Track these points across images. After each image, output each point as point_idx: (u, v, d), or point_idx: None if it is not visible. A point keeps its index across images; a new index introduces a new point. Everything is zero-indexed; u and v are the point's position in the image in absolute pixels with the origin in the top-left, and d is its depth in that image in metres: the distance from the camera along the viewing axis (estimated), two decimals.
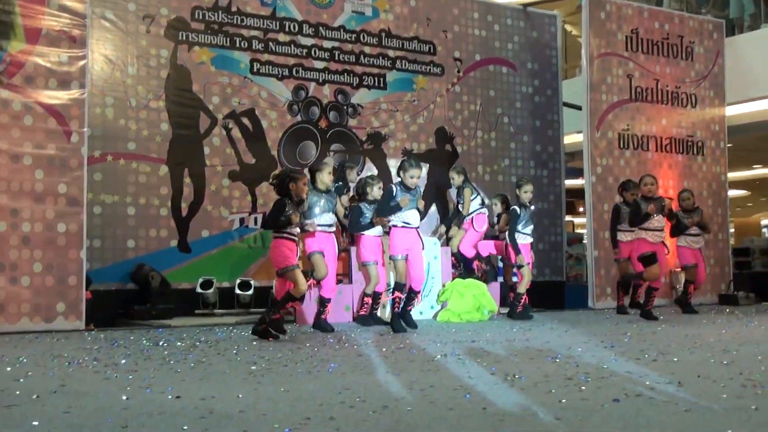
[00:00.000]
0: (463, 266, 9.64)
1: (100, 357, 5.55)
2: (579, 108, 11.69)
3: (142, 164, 9.24)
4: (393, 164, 10.62)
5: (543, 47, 12.25)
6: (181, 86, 9.53)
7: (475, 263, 9.81)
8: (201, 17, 9.66)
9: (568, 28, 15.35)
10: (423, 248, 7.90)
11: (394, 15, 10.94)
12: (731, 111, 12.73)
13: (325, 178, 7.68)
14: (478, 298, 8.92)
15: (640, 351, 5.73)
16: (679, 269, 11.52)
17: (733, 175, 15.01)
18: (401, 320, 7.69)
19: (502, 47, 11.84)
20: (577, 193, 14.60)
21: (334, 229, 7.90)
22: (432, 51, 11.20)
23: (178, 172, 9.43)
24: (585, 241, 12.53)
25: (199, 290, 9.17)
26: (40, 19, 7.78)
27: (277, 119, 10.08)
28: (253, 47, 9.95)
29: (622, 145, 11.53)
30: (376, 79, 10.74)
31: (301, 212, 7.01)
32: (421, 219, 8.09)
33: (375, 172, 10.39)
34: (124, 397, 3.84)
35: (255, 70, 9.95)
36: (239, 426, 3.22)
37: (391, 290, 7.97)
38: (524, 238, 9.04)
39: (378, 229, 8.25)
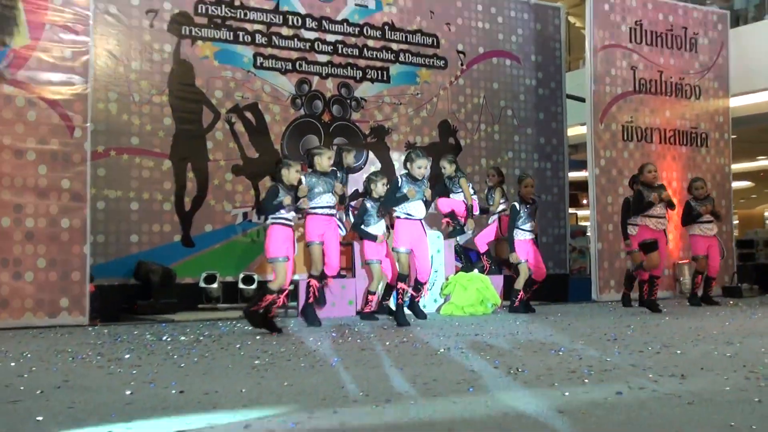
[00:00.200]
0: (465, 259, 9.65)
1: (103, 352, 5.56)
2: (582, 100, 11.67)
3: (145, 159, 9.25)
4: (396, 158, 10.64)
5: (547, 39, 12.23)
6: (184, 81, 9.53)
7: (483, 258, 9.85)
8: (204, 11, 9.65)
9: (572, 20, 15.34)
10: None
11: (398, 8, 10.92)
12: (735, 102, 12.70)
13: (324, 162, 7.62)
14: (482, 291, 8.92)
15: (644, 344, 5.73)
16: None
17: (737, 167, 14.99)
18: (403, 313, 7.70)
19: (505, 40, 11.82)
20: (581, 186, 14.59)
21: (334, 211, 7.84)
22: (435, 44, 11.18)
23: (181, 167, 9.44)
24: (589, 234, 12.52)
25: (202, 285, 9.19)
26: (43, 14, 7.77)
27: (281, 113, 10.08)
28: (257, 41, 9.95)
29: (625, 137, 11.51)
30: (379, 72, 10.73)
31: (293, 197, 6.97)
32: (427, 210, 8.09)
33: (378, 165, 10.39)
34: (128, 392, 3.84)
35: (258, 64, 9.95)
36: (243, 420, 3.22)
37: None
38: (523, 234, 9.01)
39: (381, 227, 8.23)
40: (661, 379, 4.12)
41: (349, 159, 8.86)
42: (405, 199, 7.64)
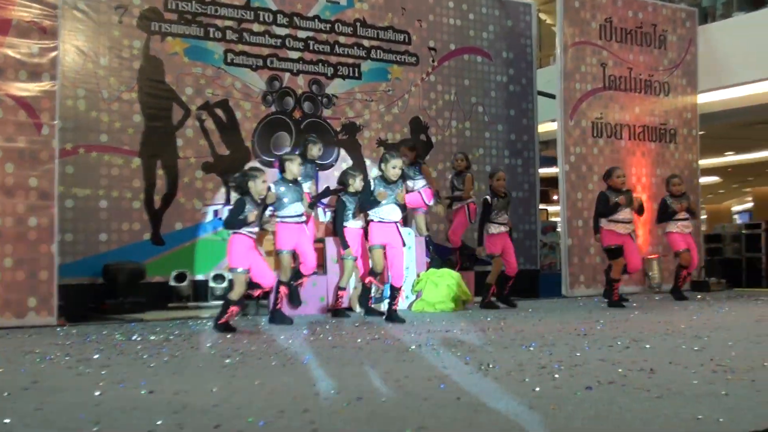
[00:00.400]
0: (433, 251, 9.67)
1: (72, 352, 5.50)
2: (553, 97, 11.73)
3: (114, 157, 9.16)
4: (367, 155, 10.63)
5: (518, 36, 12.28)
6: (154, 77, 9.45)
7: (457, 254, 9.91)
8: (174, 7, 9.57)
9: (543, 17, 15.42)
10: (404, 244, 7.90)
11: (369, 4, 10.91)
12: (703, 99, 12.83)
13: (294, 168, 7.66)
14: (453, 287, 8.94)
15: (613, 338, 5.78)
16: (655, 256, 11.66)
17: (704, 163, 15.15)
18: (367, 301, 7.82)
19: (476, 36, 11.85)
20: (551, 182, 14.66)
21: (303, 219, 7.87)
22: (407, 40, 11.18)
23: (150, 165, 9.36)
24: (559, 230, 12.59)
25: (172, 283, 9.13)
26: (10, 9, 7.65)
27: (251, 110, 10.03)
28: (227, 37, 9.89)
29: (595, 134, 11.59)
30: (350, 69, 10.72)
31: (262, 210, 7.02)
32: (403, 213, 8.09)
33: (350, 162, 10.39)
34: (97, 393, 3.81)
35: (229, 60, 9.89)
36: (213, 420, 3.20)
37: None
38: (497, 228, 9.06)
39: (359, 222, 8.24)
40: (631, 373, 4.16)
41: (313, 151, 8.79)
42: (377, 202, 7.63)
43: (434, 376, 4.20)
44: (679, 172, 12.29)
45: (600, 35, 11.73)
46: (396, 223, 7.81)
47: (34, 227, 7.63)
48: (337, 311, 8.29)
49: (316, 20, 10.49)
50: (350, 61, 10.71)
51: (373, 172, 9.46)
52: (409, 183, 9.16)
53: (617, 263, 8.98)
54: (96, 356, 5.25)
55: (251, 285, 7.05)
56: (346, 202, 8.25)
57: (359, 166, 9.95)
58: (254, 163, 9.84)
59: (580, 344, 5.47)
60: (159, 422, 3.16)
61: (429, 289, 8.92)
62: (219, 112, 9.81)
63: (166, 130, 9.50)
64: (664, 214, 9.95)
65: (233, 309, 6.86)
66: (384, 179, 7.72)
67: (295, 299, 7.71)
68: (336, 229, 8.44)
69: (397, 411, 3.36)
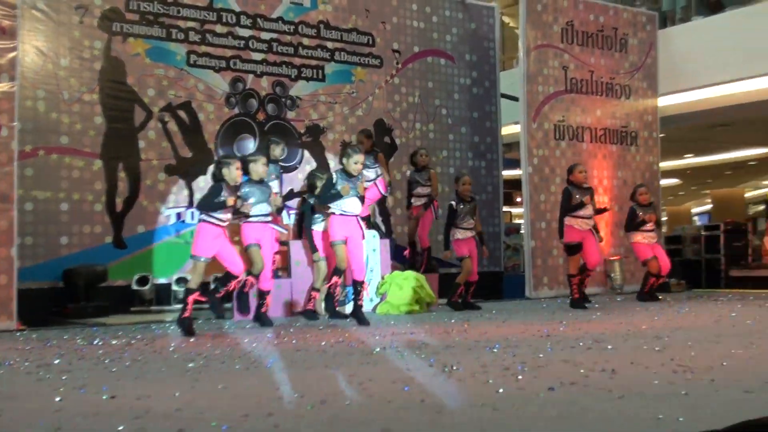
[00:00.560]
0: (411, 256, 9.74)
1: (32, 357, 5.42)
2: (516, 99, 11.81)
3: (75, 159, 9.05)
4: (332, 157, 10.61)
5: (481, 39, 12.34)
6: (116, 78, 9.35)
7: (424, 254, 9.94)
8: (136, 8, 9.48)
9: (506, 19, 15.53)
10: (363, 237, 7.92)
11: (333, 6, 10.90)
12: (663, 102, 13.00)
13: (259, 168, 7.64)
14: (417, 290, 8.96)
15: (575, 339, 5.83)
16: (617, 258, 11.79)
17: (665, 165, 15.35)
18: (332, 304, 7.82)
19: (440, 39, 11.89)
20: (515, 184, 14.76)
21: (269, 219, 7.86)
22: (371, 43, 11.19)
23: (112, 167, 9.26)
24: (522, 232, 12.68)
25: (135, 287, 9.04)
26: None
27: (215, 112, 9.97)
28: (190, 39, 9.81)
29: (557, 136, 11.69)
30: (314, 70, 10.69)
31: (237, 197, 7.01)
32: (362, 205, 8.10)
33: (314, 164, 10.37)
34: (57, 399, 3.76)
35: (191, 62, 9.82)
36: (176, 424, 3.18)
37: (330, 276, 7.98)
38: (464, 233, 9.12)
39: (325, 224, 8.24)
40: (593, 374, 4.20)
41: (276, 151, 8.75)
42: (339, 196, 7.63)
43: (398, 378, 4.20)
44: (640, 174, 12.48)
45: (562, 38, 11.84)
46: (356, 216, 7.82)
47: None
48: (308, 313, 8.28)
49: (280, 22, 10.45)
50: (314, 63, 10.69)
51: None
52: (365, 172, 9.14)
53: (573, 260, 9.09)
54: (56, 361, 5.18)
55: (225, 278, 7.05)
56: (312, 205, 8.24)
57: (324, 168, 9.93)
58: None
59: (543, 346, 5.51)
60: (121, 428, 3.12)
61: (393, 292, 8.94)
62: (182, 113, 9.74)
63: (127, 132, 9.40)
64: (632, 223, 10.02)
65: (189, 299, 6.84)
66: (346, 173, 7.71)
67: (266, 323, 7.65)
68: (305, 232, 8.44)
69: (361, 414, 3.36)
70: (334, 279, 7.81)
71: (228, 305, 8.00)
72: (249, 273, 7.39)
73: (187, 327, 6.76)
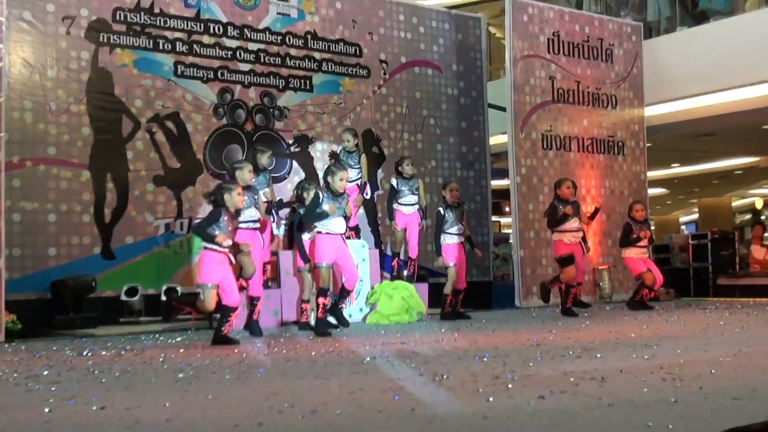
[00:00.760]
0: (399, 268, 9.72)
1: (21, 369, 5.39)
2: (503, 109, 11.85)
3: (63, 170, 9.02)
4: (320, 167, 10.61)
5: (468, 49, 12.39)
6: (103, 89, 9.34)
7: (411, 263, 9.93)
8: (123, 18, 9.48)
9: (492, 30, 15.59)
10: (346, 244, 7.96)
11: (320, 17, 10.93)
12: (650, 111, 13.08)
13: (246, 176, 7.65)
14: (407, 299, 8.97)
15: (565, 348, 5.84)
16: (606, 267, 11.83)
17: (652, 174, 15.43)
18: (325, 323, 7.75)
19: (427, 49, 11.93)
20: (503, 194, 14.79)
21: (258, 225, 7.86)
22: (358, 53, 11.22)
23: (100, 178, 9.23)
24: (511, 241, 12.70)
25: (123, 298, 9.01)
26: None
27: (203, 122, 9.96)
28: (177, 49, 9.82)
29: (545, 146, 11.74)
30: (302, 81, 10.71)
31: (236, 225, 6.97)
32: (347, 224, 8.12)
33: (302, 175, 10.37)
34: (47, 410, 3.74)
35: (179, 72, 9.82)
36: None
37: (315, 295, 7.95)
38: (451, 238, 9.13)
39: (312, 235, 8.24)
40: (582, 382, 4.21)
41: (262, 160, 8.75)
42: (325, 215, 7.62)
43: (389, 387, 4.20)
44: (628, 184, 12.55)
45: (548, 49, 11.90)
46: (341, 234, 7.84)
47: None
48: (303, 324, 8.27)
49: (267, 32, 10.47)
50: (301, 73, 10.71)
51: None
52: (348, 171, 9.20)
53: (567, 271, 9.14)
54: (45, 372, 5.15)
55: (223, 314, 6.89)
56: (301, 215, 8.23)
57: (312, 179, 9.93)
58: (206, 176, 9.80)
59: (532, 354, 5.52)
60: None
61: (383, 301, 8.94)
62: (170, 124, 9.73)
63: (115, 143, 9.39)
64: (627, 239, 10.05)
65: (189, 310, 6.96)
66: (331, 191, 7.71)
67: (255, 331, 7.66)
68: (295, 242, 8.43)
69: (351, 423, 3.36)
70: (320, 300, 7.75)
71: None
72: (239, 276, 7.39)
73: (226, 341, 6.79)
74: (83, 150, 9.15)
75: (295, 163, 10.57)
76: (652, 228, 11.69)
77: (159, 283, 9.32)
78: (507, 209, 16.22)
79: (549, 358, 5.28)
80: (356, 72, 11.18)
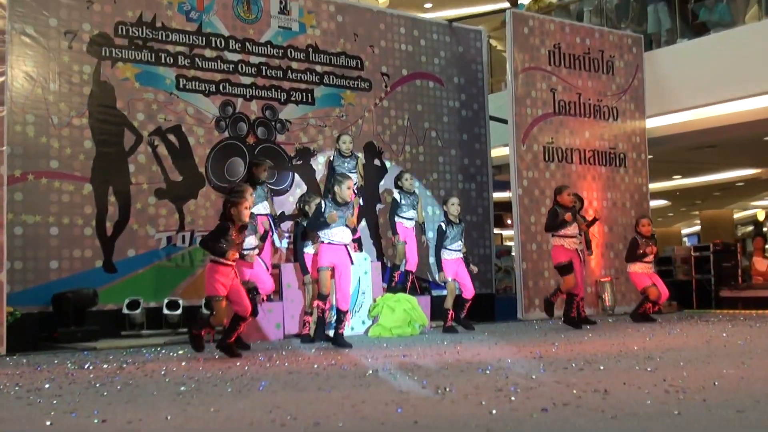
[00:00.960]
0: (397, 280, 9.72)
1: (22, 382, 5.38)
2: (505, 122, 11.87)
3: (65, 183, 9.03)
4: (322, 179, 10.62)
5: (469, 62, 12.42)
6: (105, 103, 9.36)
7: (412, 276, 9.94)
8: (125, 33, 9.51)
9: (493, 43, 15.62)
10: (352, 263, 7.91)
11: (321, 30, 10.96)
12: (651, 123, 13.10)
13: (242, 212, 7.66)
14: (409, 312, 8.96)
15: (568, 360, 5.83)
16: (608, 279, 11.81)
17: (654, 186, 15.43)
18: (322, 329, 7.79)
19: (428, 62, 11.96)
20: (505, 206, 14.80)
21: (257, 251, 7.89)
22: (359, 66, 11.25)
23: (102, 191, 9.24)
24: (513, 254, 12.69)
25: (125, 311, 9.00)
26: None
27: (204, 135, 9.98)
28: (179, 63, 9.84)
29: (547, 158, 11.75)
30: (303, 94, 10.73)
31: (243, 239, 6.96)
32: (359, 232, 8.13)
33: (304, 188, 10.38)
34: (48, 423, 3.73)
35: (181, 86, 9.84)
36: None
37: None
38: (451, 254, 9.14)
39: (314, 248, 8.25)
40: (585, 394, 4.20)
41: (259, 173, 8.75)
42: (326, 224, 7.62)
43: (391, 400, 4.19)
44: (629, 196, 12.55)
45: (549, 61, 11.94)
46: (346, 245, 7.79)
47: None
48: (304, 337, 8.26)
49: (269, 46, 10.50)
50: (303, 86, 10.73)
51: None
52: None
53: (567, 280, 9.16)
54: (47, 386, 5.14)
55: (233, 322, 6.87)
56: (304, 228, 8.26)
57: (314, 191, 9.94)
58: (207, 189, 9.80)
59: (535, 367, 5.50)
60: None
61: (385, 314, 8.93)
62: (171, 137, 9.74)
63: (117, 156, 9.40)
64: (634, 254, 10.05)
65: (207, 330, 6.97)
66: (335, 201, 7.71)
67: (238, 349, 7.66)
68: (297, 254, 8.45)
69: None
70: (316, 302, 7.80)
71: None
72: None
73: (230, 350, 6.79)
74: (85, 163, 9.17)
75: (296, 176, 10.57)
76: None
77: (161, 296, 9.31)
78: (509, 221, 16.23)
79: (552, 371, 5.27)
80: (358, 85, 11.21)
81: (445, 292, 9.38)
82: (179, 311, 9.12)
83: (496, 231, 13.71)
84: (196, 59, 9.96)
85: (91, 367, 6.21)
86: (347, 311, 7.84)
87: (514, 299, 11.44)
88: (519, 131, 11.47)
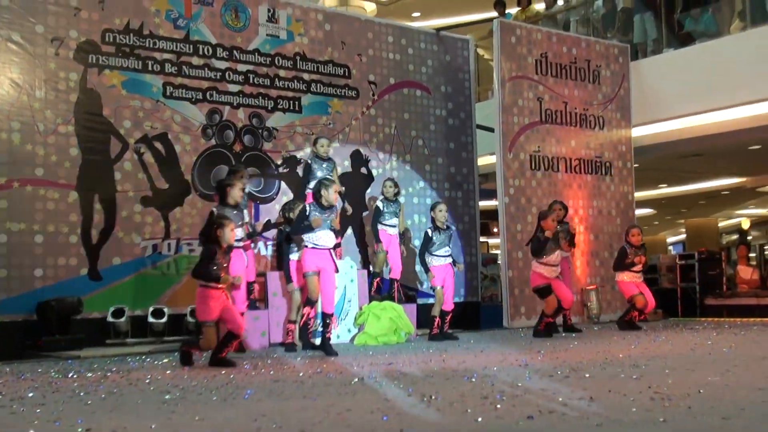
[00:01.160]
0: (385, 289, 9.75)
1: (5, 391, 5.35)
2: (492, 130, 11.90)
3: (50, 190, 8.98)
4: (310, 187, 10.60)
5: (456, 71, 12.45)
6: (91, 110, 9.32)
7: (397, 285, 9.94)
8: (112, 40, 9.48)
9: (481, 52, 15.67)
10: (337, 271, 7.93)
11: (309, 39, 10.96)
12: (637, 132, 13.16)
13: (236, 194, 7.67)
14: (395, 320, 8.96)
15: (553, 368, 5.84)
16: (593, 287, 11.84)
17: (639, 195, 15.49)
18: (306, 336, 7.78)
19: (416, 71, 11.98)
20: (491, 214, 14.82)
21: (242, 243, 7.87)
22: (347, 74, 11.25)
23: (88, 199, 9.20)
24: (499, 262, 12.71)
25: (110, 319, 8.95)
26: None
27: (191, 143, 9.95)
28: (166, 70, 9.82)
29: (533, 167, 11.79)
30: (291, 102, 10.73)
31: (228, 261, 6.95)
32: (340, 238, 8.14)
33: (291, 196, 10.36)
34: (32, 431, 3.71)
35: (168, 93, 9.81)
36: None
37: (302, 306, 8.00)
38: (439, 260, 9.15)
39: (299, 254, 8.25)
40: (571, 402, 4.21)
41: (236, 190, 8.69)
42: (311, 228, 7.64)
43: (377, 408, 4.19)
44: (615, 204, 12.60)
45: (536, 70, 11.99)
46: (330, 249, 7.83)
47: None
48: (289, 345, 8.25)
49: (256, 54, 10.49)
50: (290, 94, 10.72)
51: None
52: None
53: (548, 301, 9.22)
54: (30, 394, 5.11)
55: (226, 338, 6.86)
56: (287, 234, 8.26)
57: (300, 200, 9.92)
58: (194, 197, 9.78)
59: (521, 375, 5.51)
60: None
61: (371, 322, 8.93)
62: (158, 145, 9.71)
63: (103, 164, 9.35)
64: (622, 263, 10.11)
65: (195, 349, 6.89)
66: (321, 205, 7.73)
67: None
68: (280, 262, 8.45)
69: None
70: (306, 310, 7.83)
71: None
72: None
73: (223, 363, 6.74)
74: (71, 171, 9.12)
75: (283, 184, 10.56)
76: None
77: (146, 304, 9.26)
78: (495, 230, 16.25)
79: (537, 379, 5.28)
80: (345, 93, 11.21)
81: (431, 300, 9.38)
82: (164, 319, 9.07)
83: (482, 239, 13.73)
84: (184, 67, 9.94)
85: (75, 376, 6.17)
86: (332, 314, 7.88)
87: (499, 307, 11.45)
88: (506, 140, 11.51)
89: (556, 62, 12.22)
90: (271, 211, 10.23)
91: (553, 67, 12.19)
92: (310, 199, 8.68)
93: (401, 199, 10.42)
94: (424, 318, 9.69)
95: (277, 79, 10.62)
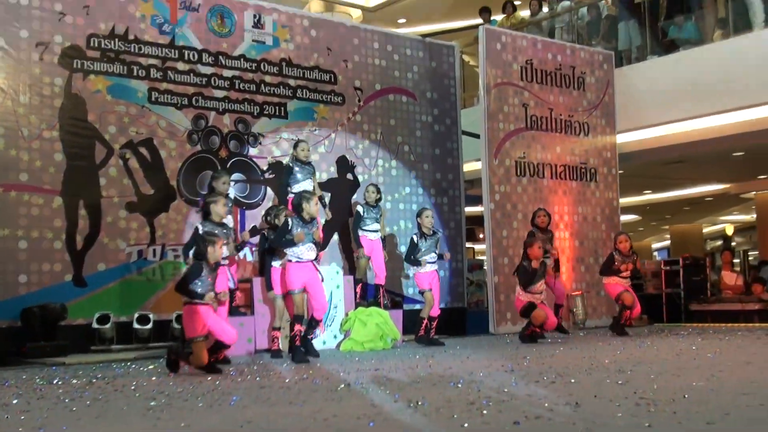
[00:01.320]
0: (370, 295, 9.75)
1: None
2: (477, 136, 11.93)
3: (34, 196, 8.93)
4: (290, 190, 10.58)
5: (442, 77, 12.48)
6: (76, 115, 9.28)
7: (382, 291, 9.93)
8: (97, 45, 9.45)
9: (466, 58, 15.71)
10: (322, 279, 7.95)
11: (295, 44, 10.96)
12: (622, 139, 13.23)
13: (220, 209, 7.63)
14: (381, 326, 8.96)
15: (539, 374, 5.85)
16: (579, 293, 11.88)
17: (624, 201, 15.58)
18: (302, 350, 7.69)
19: (401, 77, 12.00)
20: (477, 220, 14.86)
21: (227, 261, 7.86)
22: (333, 80, 11.25)
23: (72, 204, 9.15)
24: (485, 268, 12.74)
25: (95, 325, 8.90)
26: None
27: (176, 149, 9.92)
28: (151, 76, 9.79)
29: (519, 173, 11.83)
30: (276, 108, 10.72)
31: (215, 278, 6.93)
32: (323, 249, 8.15)
33: (276, 202, 10.35)
34: None
35: (153, 99, 9.79)
36: None
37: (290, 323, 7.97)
38: (425, 266, 9.18)
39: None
40: (557, 407, 4.22)
41: (218, 186, 8.64)
42: (292, 243, 7.65)
43: (363, 414, 4.18)
44: (600, 210, 12.65)
45: (521, 77, 12.03)
46: (312, 261, 7.86)
47: None
48: (275, 352, 8.22)
49: (242, 59, 10.48)
50: (276, 100, 10.72)
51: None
52: (308, 183, 9.32)
53: (535, 315, 9.24)
54: (15, 401, 5.07)
55: (214, 347, 6.85)
56: (269, 243, 8.26)
57: (282, 203, 9.91)
58: (179, 203, 9.75)
59: (507, 380, 5.52)
60: None
61: (357, 328, 8.92)
62: (143, 150, 9.68)
63: (88, 169, 9.31)
64: (608, 269, 10.15)
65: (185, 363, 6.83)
66: (302, 219, 7.75)
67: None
68: (262, 269, 8.43)
69: None
70: (297, 328, 7.77)
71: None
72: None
73: (211, 369, 6.71)
74: (55, 176, 9.08)
75: (269, 190, 10.54)
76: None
77: (131, 310, 9.21)
78: (481, 236, 16.27)
79: (523, 384, 5.29)
80: (331, 99, 11.22)
81: (418, 306, 9.40)
82: (150, 326, 9.03)
83: (468, 245, 13.75)
84: (169, 72, 9.91)
85: (60, 383, 6.13)
86: (320, 321, 7.91)
87: (485, 313, 11.47)
88: (491, 146, 11.54)
89: (541, 69, 12.28)
90: (257, 217, 10.20)
91: (538, 74, 12.24)
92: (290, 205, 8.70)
93: (387, 205, 10.43)
94: (410, 324, 9.69)
95: (263, 85, 10.61)
